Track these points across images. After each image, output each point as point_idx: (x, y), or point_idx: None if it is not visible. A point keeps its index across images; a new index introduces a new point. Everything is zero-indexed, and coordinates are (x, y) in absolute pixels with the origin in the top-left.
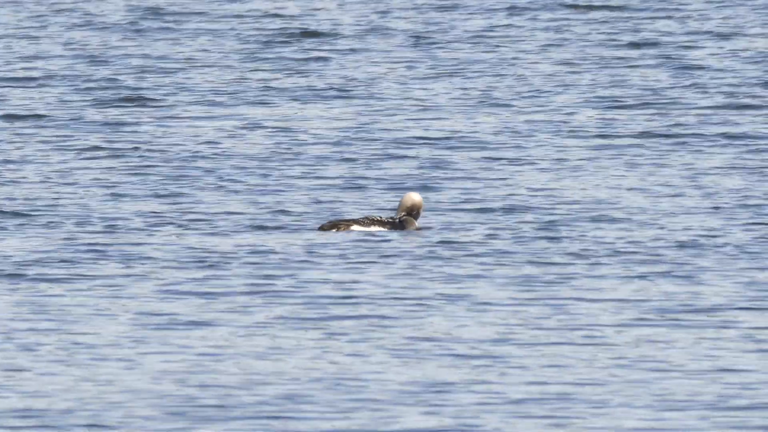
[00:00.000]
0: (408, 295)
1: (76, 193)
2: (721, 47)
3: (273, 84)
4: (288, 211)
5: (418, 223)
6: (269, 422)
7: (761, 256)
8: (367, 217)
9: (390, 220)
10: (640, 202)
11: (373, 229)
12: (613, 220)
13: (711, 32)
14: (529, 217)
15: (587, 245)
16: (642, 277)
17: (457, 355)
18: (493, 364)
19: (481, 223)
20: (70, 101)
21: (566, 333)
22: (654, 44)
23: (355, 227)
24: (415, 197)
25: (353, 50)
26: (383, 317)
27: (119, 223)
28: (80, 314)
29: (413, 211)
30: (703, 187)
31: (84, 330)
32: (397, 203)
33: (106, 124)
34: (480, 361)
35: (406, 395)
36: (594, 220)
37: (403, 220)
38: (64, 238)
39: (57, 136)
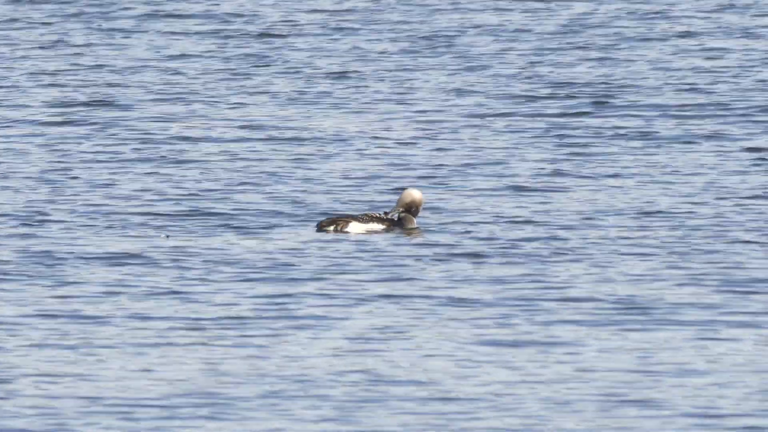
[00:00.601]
0: (393, 294)
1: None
2: (680, 45)
3: (246, 84)
4: (282, 210)
5: (416, 220)
6: (255, 422)
7: (730, 259)
8: (365, 214)
9: (388, 217)
10: (617, 202)
11: (372, 226)
12: (590, 220)
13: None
14: (507, 217)
15: (572, 245)
16: (618, 276)
17: (442, 356)
18: (475, 365)
19: (464, 223)
20: (38, 100)
21: (544, 333)
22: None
23: (353, 224)
24: (415, 194)
25: (321, 48)
26: (370, 316)
27: (103, 223)
28: (73, 314)
29: (412, 208)
30: (668, 186)
31: (74, 331)
32: (374, 203)
33: (77, 124)
34: (461, 362)
35: (390, 395)
36: (573, 219)
37: (402, 217)
38: (54, 240)
39: (25, 135)
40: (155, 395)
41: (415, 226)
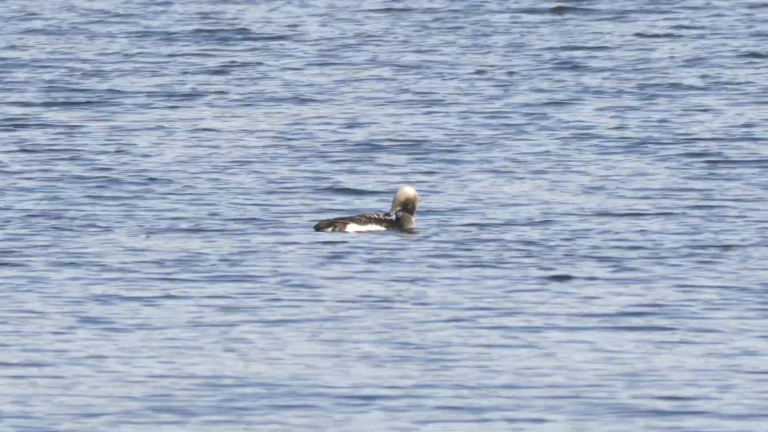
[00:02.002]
0: (378, 295)
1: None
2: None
3: (224, 87)
4: (279, 211)
5: (414, 219)
6: (241, 423)
7: (688, 260)
8: (363, 215)
9: (386, 217)
10: (588, 204)
11: (370, 227)
12: (564, 223)
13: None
14: (478, 219)
15: (560, 251)
16: (571, 277)
17: (427, 358)
18: (454, 366)
19: (444, 224)
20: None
21: (543, 333)
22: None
23: (351, 225)
24: (409, 191)
25: (291, 52)
26: (357, 318)
27: (88, 224)
28: (68, 321)
29: (408, 205)
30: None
31: (68, 334)
32: (355, 207)
33: (54, 126)
34: (440, 363)
35: (367, 396)
36: (547, 221)
37: (400, 217)
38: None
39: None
40: (134, 398)
41: (414, 225)
